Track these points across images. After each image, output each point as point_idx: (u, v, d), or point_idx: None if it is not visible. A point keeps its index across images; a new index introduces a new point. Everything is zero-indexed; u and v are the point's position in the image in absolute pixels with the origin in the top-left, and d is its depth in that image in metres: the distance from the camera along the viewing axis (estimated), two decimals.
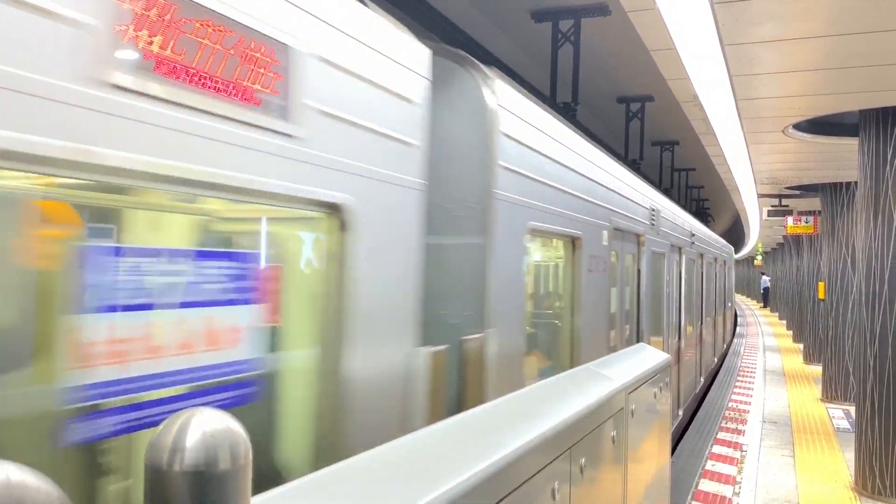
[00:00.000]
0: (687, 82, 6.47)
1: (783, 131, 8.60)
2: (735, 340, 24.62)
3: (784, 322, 30.21)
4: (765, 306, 46.23)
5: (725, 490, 7.86)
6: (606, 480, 2.95)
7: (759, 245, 37.26)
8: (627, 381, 3.22)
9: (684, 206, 18.69)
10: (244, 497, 0.94)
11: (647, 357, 4.07)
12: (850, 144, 8.70)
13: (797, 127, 8.57)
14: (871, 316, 7.73)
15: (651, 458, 3.82)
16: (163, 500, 0.89)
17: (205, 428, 0.93)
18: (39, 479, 0.84)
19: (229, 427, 0.95)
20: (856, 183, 11.79)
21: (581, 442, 2.52)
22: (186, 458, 0.90)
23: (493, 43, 9.63)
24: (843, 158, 10.22)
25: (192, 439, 0.92)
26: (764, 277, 47.77)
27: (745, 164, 11.27)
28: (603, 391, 2.87)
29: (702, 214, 26.38)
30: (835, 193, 12.80)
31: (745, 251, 43.20)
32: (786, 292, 29.68)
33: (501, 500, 1.83)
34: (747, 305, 50.53)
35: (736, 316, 33.30)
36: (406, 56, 2.86)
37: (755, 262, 45.93)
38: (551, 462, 2.20)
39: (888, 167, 7.55)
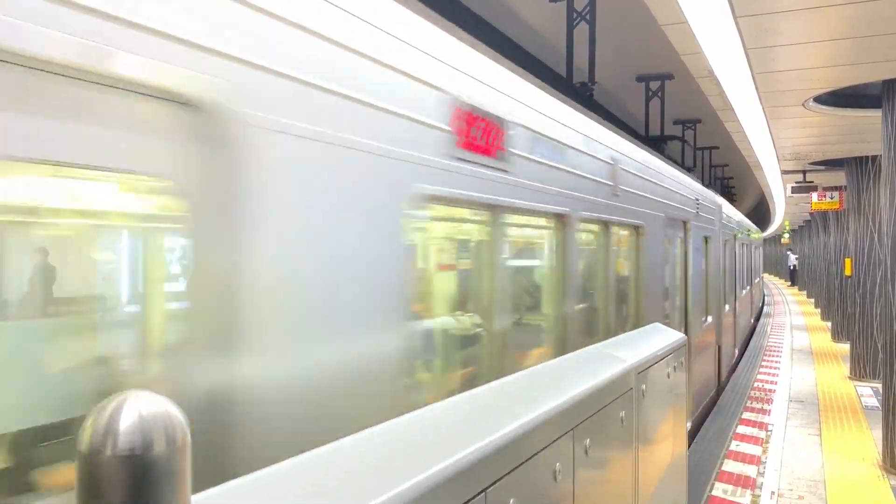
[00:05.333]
0: (701, 57, 6.34)
1: (803, 105, 8.42)
2: (762, 320, 24.34)
3: (812, 300, 29.82)
4: (792, 284, 45.67)
5: (750, 470, 7.77)
6: (615, 462, 2.91)
7: (787, 223, 36.73)
8: (637, 360, 3.16)
9: (708, 185, 18.50)
10: (181, 481, 0.91)
11: (660, 337, 4.01)
12: (874, 117, 8.50)
13: (818, 100, 8.39)
14: None
15: (665, 439, 3.77)
16: (96, 486, 0.87)
17: (140, 410, 0.90)
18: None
19: (166, 410, 0.92)
20: (881, 156, 11.53)
21: (586, 422, 2.48)
22: (119, 442, 0.88)
23: (507, 24, 9.53)
24: (866, 131, 10.00)
25: (125, 422, 0.89)
26: (791, 255, 47.15)
27: (766, 139, 11.07)
28: (609, 371, 2.82)
29: (727, 193, 26.05)
30: (860, 167, 12.54)
31: (771, 229, 42.62)
32: (814, 269, 29.26)
33: (495, 482, 1.80)
34: (775, 284, 49.92)
35: (763, 296, 32.96)
36: None
37: (782, 239, 45.31)
38: (552, 443, 2.17)
39: None
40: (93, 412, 0.91)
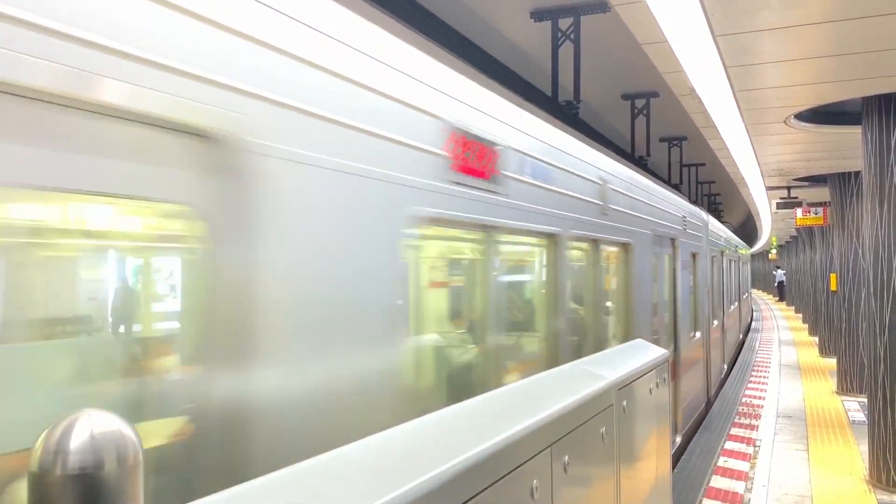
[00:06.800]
0: (682, 75, 6.41)
1: (785, 122, 8.51)
2: (750, 335, 24.42)
3: (800, 316, 29.96)
4: (780, 300, 45.91)
5: (738, 486, 7.77)
6: (596, 479, 2.90)
7: (774, 239, 36.98)
8: (617, 377, 3.17)
9: (694, 202, 18.61)
10: (133, 500, 0.91)
11: (642, 353, 4.02)
12: (855, 133, 8.60)
13: (799, 117, 8.48)
14: (880, 306, 7.63)
15: (648, 457, 3.77)
16: None
17: (92, 429, 0.90)
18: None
19: (118, 429, 0.93)
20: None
21: (564, 439, 2.48)
22: (70, 461, 0.88)
23: (492, 44, 9.60)
24: (848, 147, 10.11)
25: (76, 441, 0.89)
26: (779, 271, 47.44)
27: (750, 156, 11.17)
28: (589, 387, 2.83)
29: (713, 210, 26.20)
30: (843, 183, 12.66)
31: (759, 245, 42.88)
32: (801, 285, 29.42)
33: (470, 499, 1.80)
34: (763, 300, 50.16)
35: (752, 311, 33.08)
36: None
37: (770, 255, 45.57)
38: (529, 459, 2.17)
39: (892, 155, 7.45)
40: (45, 431, 0.91)
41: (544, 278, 4.93)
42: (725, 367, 15.67)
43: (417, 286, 3.82)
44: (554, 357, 4.73)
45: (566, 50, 9.19)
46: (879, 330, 7.62)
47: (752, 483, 7.87)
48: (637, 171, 7.88)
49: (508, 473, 2.01)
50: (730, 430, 10.33)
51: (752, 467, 8.48)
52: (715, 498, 7.40)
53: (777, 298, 48.15)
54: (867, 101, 7.67)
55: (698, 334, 11.14)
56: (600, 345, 5.67)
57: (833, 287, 13.50)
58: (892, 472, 7.48)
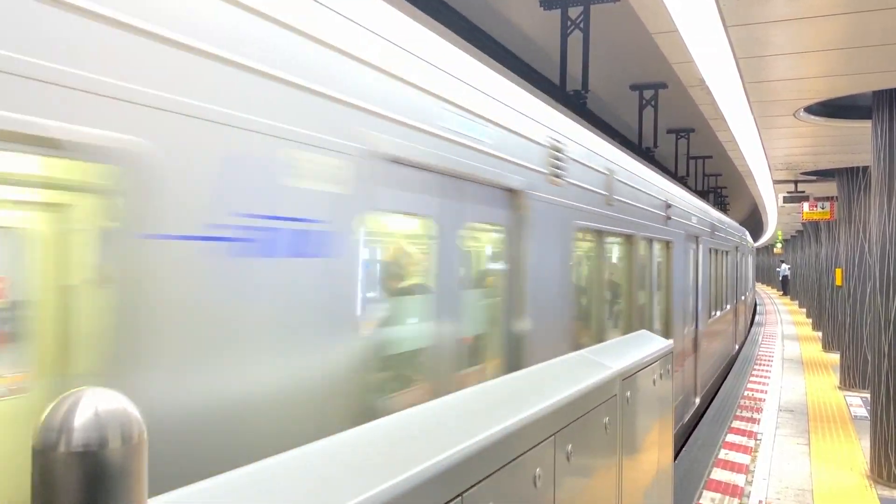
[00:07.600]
0: (692, 66, 6.36)
1: (794, 115, 8.46)
2: (753, 329, 24.40)
3: (804, 310, 29.92)
4: (784, 294, 45.86)
5: (738, 479, 7.77)
6: (598, 468, 2.90)
7: (779, 233, 36.87)
8: (621, 367, 3.16)
9: (701, 194, 18.58)
10: (137, 480, 0.91)
11: (647, 344, 4.01)
12: (865, 127, 8.55)
13: (809, 110, 8.43)
14: (885, 301, 7.60)
15: (651, 448, 3.77)
16: (50, 483, 0.87)
17: (97, 407, 0.90)
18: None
19: (123, 407, 0.92)
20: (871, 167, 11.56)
21: (568, 427, 2.47)
22: (74, 438, 0.87)
23: (501, 32, 9.56)
24: (857, 142, 10.05)
25: (80, 419, 0.89)
26: (783, 266, 47.38)
27: (758, 149, 11.12)
28: (593, 376, 2.82)
29: (719, 202, 26.14)
30: (851, 178, 12.59)
31: (764, 239, 42.78)
32: (806, 280, 29.37)
33: (473, 486, 1.79)
34: (767, 294, 50.08)
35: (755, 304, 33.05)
36: None
37: (775, 249, 45.49)
38: (532, 448, 2.16)
39: None
40: (48, 407, 0.90)
41: None
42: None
43: None
44: None
45: (575, 39, 9.15)
46: (884, 325, 7.60)
47: (752, 476, 7.87)
48: None
49: (511, 461, 2.01)
50: (731, 422, 10.32)
51: (752, 460, 8.48)
52: (716, 490, 7.40)
53: (781, 293, 48.09)
54: (878, 94, 7.61)
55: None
56: None
57: (838, 282, 13.46)
58: (894, 468, 7.47)
